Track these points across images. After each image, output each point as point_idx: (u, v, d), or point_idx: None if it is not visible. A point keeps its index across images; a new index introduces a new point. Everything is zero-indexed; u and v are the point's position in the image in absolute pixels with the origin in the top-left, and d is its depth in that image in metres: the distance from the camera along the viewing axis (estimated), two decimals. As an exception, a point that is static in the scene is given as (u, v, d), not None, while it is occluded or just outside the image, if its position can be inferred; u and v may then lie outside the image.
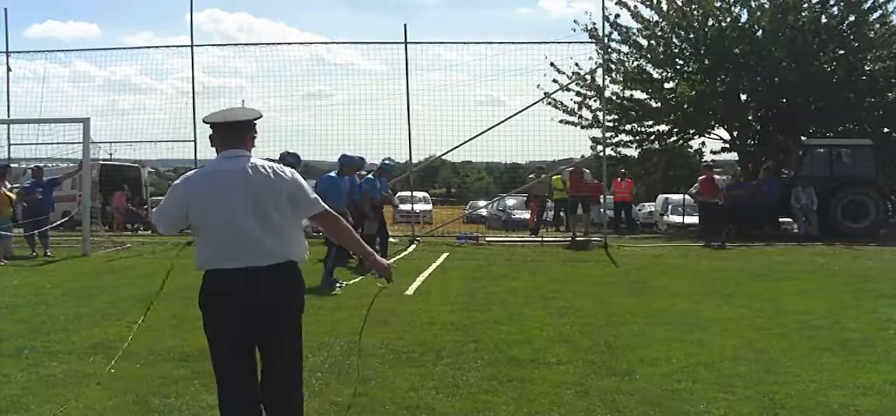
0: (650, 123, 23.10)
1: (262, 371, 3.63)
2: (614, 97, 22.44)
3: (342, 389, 5.17)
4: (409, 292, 9.59)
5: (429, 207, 30.86)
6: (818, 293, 9.47)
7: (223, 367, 3.60)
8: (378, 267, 3.81)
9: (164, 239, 19.50)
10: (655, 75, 22.74)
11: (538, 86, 20.61)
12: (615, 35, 22.00)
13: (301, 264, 3.65)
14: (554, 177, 19.95)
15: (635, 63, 22.63)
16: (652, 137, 23.39)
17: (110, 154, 24.06)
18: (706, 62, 21.65)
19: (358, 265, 11.72)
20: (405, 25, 18.06)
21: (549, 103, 21.42)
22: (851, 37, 21.62)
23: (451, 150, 18.43)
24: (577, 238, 17.06)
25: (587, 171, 18.50)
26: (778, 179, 21.06)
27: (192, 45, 18.63)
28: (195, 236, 3.61)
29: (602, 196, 20.10)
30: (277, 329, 3.56)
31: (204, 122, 3.68)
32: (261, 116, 3.72)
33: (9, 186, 14.46)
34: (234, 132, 3.60)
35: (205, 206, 3.52)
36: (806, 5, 21.37)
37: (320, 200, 3.68)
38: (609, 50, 21.29)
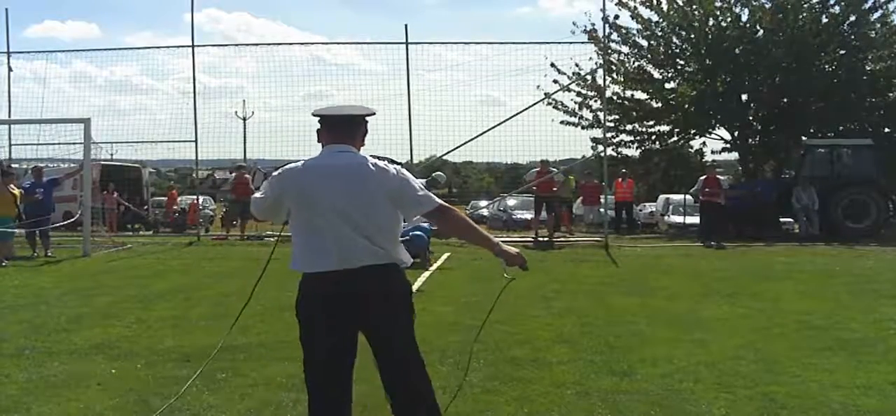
0: (651, 123, 23.12)
1: (382, 376, 3.46)
2: (615, 97, 22.45)
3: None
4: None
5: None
6: (819, 293, 9.46)
7: (316, 380, 3.40)
8: (507, 256, 3.44)
9: (166, 239, 19.57)
10: (656, 75, 22.76)
11: (538, 86, 20.67)
12: (615, 35, 22.04)
13: (404, 267, 3.47)
14: (569, 177, 19.99)
15: (636, 63, 22.65)
16: (653, 138, 23.40)
17: (111, 155, 24.09)
18: (707, 62, 21.66)
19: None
20: (406, 26, 18.10)
21: (550, 104, 21.46)
22: (852, 36, 21.63)
23: (453, 150, 18.47)
24: (541, 239, 17.15)
25: (554, 169, 18.51)
26: (776, 179, 21.13)
27: (192, 46, 18.62)
28: (291, 232, 3.46)
29: (602, 196, 20.19)
30: (383, 332, 3.39)
31: (313, 115, 3.50)
32: (374, 114, 3.55)
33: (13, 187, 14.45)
34: (342, 127, 3.45)
35: (302, 201, 3.36)
36: (806, 5, 21.38)
37: (432, 196, 3.45)
38: (609, 51, 21.29)
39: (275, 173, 3.53)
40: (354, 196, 3.30)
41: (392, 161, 3.59)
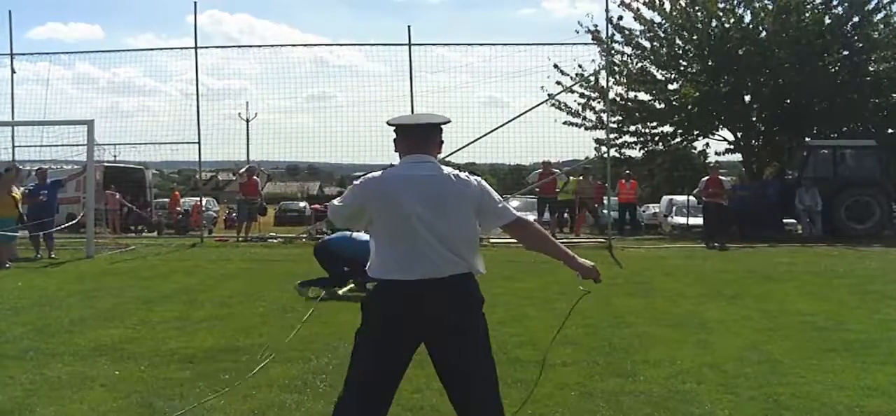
0: (654, 124, 23.13)
1: (453, 399, 3.41)
2: (618, 99, 22.46)
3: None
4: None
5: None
6: (822, 294, 9.45)
7: (363, 379, 3.35)
8: (582, 269, 3.53)
9: (169, 241, 19.59)
10: (659, 77, 22.77)
11: (542, 87, 20.67)
12: (618, 37, 22.04)
13: (479, 277, 3.45)
14: (572, 179, 20.01)
15: (639, 64, 22.66)
16: (656, 139, 23.41)
17: (114, 156, 24.15)
18: (710, 63, 21.67)
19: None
20: (409, 27, 18.10)
21: (553, 105, 21.46)
22: (855, 37, 21.63)
23: (456, 151, 18.41)
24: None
25: (556, 171, 18.49)
26: (780, 180, 21.11)
27: (195, 47, 18.62)
28: (371, 241, 3.44)
29: (605, 197, 20.20)
30: (461, 342, 3.34)
31: (388, 124, 3.48)
32: (448, 121, 3.54)
33: (16, 190, 14.46)
34: (419, 136, 3.43)
35: (385, 210, 3.34)
36: (809, 6, 21.37)
37: (510, 208, 3.50)
38: (612, 52, 21.29)
39: (356, 183, 3.52)
40: (438, 206, 3.30)
41: (472, 172, 3.59)
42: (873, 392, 5.16)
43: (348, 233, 9.68)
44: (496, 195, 3.47)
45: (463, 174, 3.44)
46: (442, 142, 3.54)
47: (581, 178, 20.46)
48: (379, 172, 3.47)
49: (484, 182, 3.48)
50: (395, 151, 3.50)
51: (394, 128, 3.48)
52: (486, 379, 3.41)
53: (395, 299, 3.31)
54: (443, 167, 3.43)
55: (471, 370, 3.37)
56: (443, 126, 3.53)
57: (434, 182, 3.35)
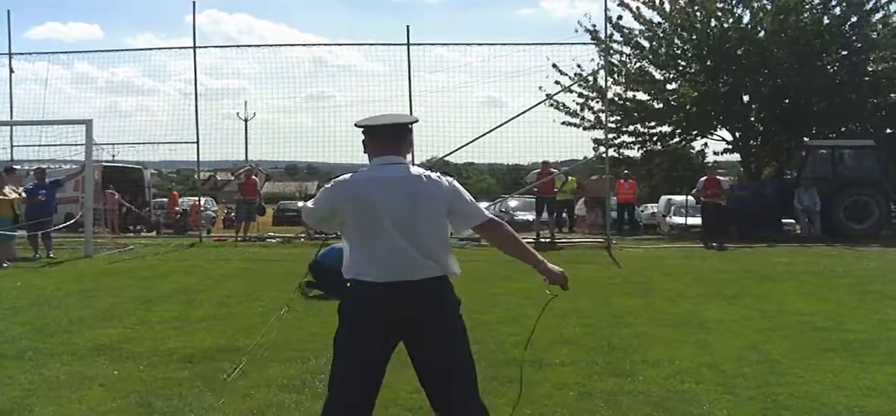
0: (653, 124, 23.12)
1: (433, 399, 3.41)
2: (617, 98, 22.46)
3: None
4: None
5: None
6: (821, 294, 9.45)
7: (344, 381, 3.36)
8: (550, 274, 3.56)
9: (167, 240, 19.58)
10: (658, 76, 22.77)
11: (541, 87, 20.67)
12: (617, 36, 22.04)
13: (454, 279, 3.43)
14: (570, 178, 20.02)
15: (637, 64, 22.66)
16: (654, 139, 23.41)
17: (112, 156, 24.11)
18: (708, 63, 21.67)
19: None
20: (408, 27, 18.06)
21: (552, 105, 21.45)
22: (854, 37, 21.65)
23: (454, 151, 18.42)
24: (542, 240, 17.16)
25: (555, 170, 18.56)
26: (778, 180, 21.13)
27: (194, 47, 18.60)
28: (344, 242, 3.43)
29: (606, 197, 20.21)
30: (437, 343, 3.33)
31: (356, 126, 3.44)
32: (417, 121, 3.53)
33: (13, 188, 14.41)
34: (389, 137, 3.40)
35: (357, 212, 3.32)
36: (808, 6, 21.39)
37: (483, 210, 3.50)
38: (611, 51, 21.29)
39: (327, 185, 3.50)
40: (409, 207, 3.28)
41: (444, 173, 3.58)
42: (872, 392, 5.16)
43: (338, 247, 9.78)
44: (468, 196, 3.46)
45: (434, 175, 3.42)
46: (412, 142, 3.52)
47: (595, 178, 20.51)
48: (350, 175, 3.44)
49: (456, 183, 3.46)
50: (364, 152, 3.47)
51: (362, 130, 3.45)
52: (466, 375, 3.40)
53: (369, 301, 3.30)
54: (412, 168, 3.41)
55: (451, 368, 3.37)
56: (411, 126, 3.51)
57: (406, 183, 3.33)
